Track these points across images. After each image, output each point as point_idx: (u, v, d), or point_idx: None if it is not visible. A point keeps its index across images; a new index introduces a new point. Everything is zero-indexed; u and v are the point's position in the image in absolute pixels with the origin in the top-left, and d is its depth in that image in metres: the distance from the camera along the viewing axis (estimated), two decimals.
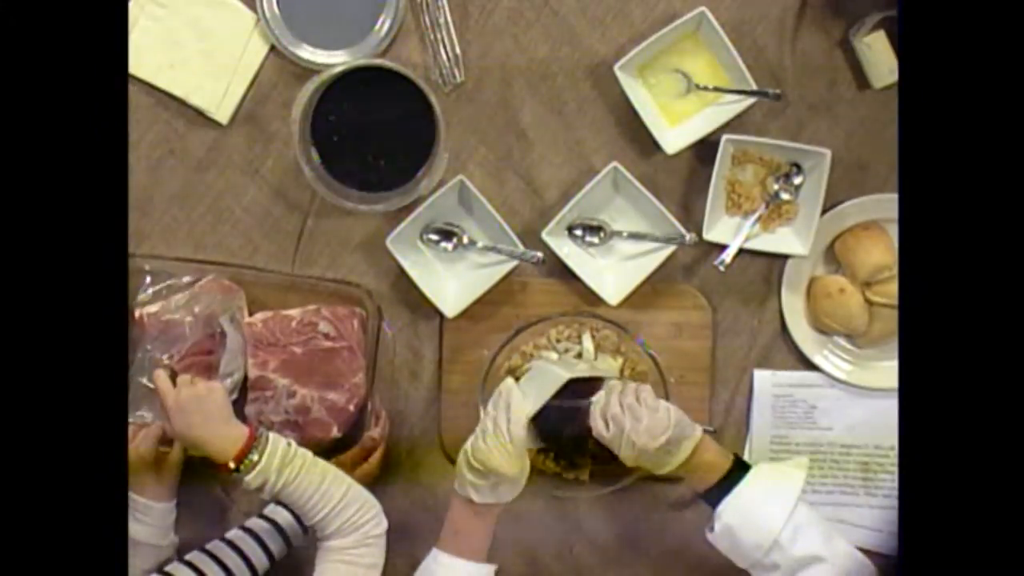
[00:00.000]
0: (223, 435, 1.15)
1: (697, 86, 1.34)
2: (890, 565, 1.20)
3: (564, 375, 1.21)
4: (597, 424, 1.18)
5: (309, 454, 1.17)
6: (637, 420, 1.15)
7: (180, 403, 1.17)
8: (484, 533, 1.18)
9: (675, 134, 1.35)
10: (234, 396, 1.35)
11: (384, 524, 1.18)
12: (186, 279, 1.37)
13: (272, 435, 1.16)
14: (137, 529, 1.25)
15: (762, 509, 1.13)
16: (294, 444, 1.17)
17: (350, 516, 1.15)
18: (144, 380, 1.34)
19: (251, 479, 1.13)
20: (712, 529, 1.16)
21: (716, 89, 1.33)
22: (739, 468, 1.16)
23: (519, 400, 1.15)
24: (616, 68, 1.31)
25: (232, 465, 1.13)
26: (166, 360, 1.35)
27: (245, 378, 1.36)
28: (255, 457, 1.13)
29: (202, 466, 1.22)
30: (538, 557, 1.43)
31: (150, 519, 1.26)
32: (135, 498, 1.26)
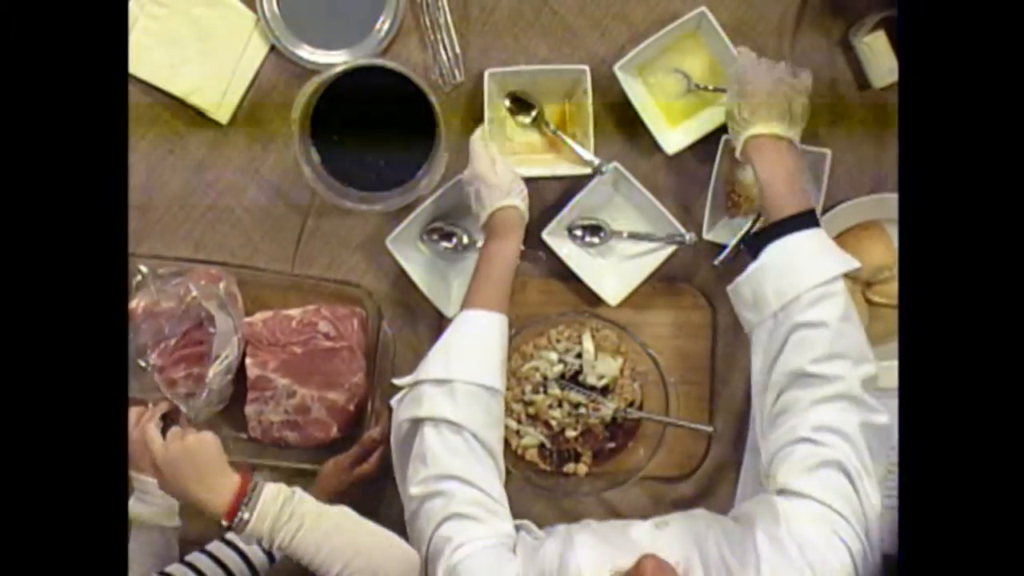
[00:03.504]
0: (215, 488, 1.09)
1: (697, 86, 1.34)
2: (890, 565, 1.20)
3: None
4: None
5: (309, 517, 1.09)
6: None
7: (169, 458, 1.11)
8: (496, 281, 1.21)
9: (675, 134, 1.35)
10: (229, 377, 1.34)
11: None
12: (173, 270, 1.37)
13: (266, 491, 1.09)
14: (143, 510, 1.26)
15: (806, 262, 1.12)
16: (294, 501, 1.09)
17: None
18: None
19: (245, 537, 1.09)
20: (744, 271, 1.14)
21: (716, 89, 1.33)
22: (806, 216, 1.14)
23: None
24: (616, 68, 1.31)
25: (224, 523, 1.08)
26: (155, 357, 1.35)
27: (241, 371, 1.36)
28: (245, 515, 1.07)
29: None
30: None
31: (156, 499, 1.26)
32: (141, 479, 1.26)
